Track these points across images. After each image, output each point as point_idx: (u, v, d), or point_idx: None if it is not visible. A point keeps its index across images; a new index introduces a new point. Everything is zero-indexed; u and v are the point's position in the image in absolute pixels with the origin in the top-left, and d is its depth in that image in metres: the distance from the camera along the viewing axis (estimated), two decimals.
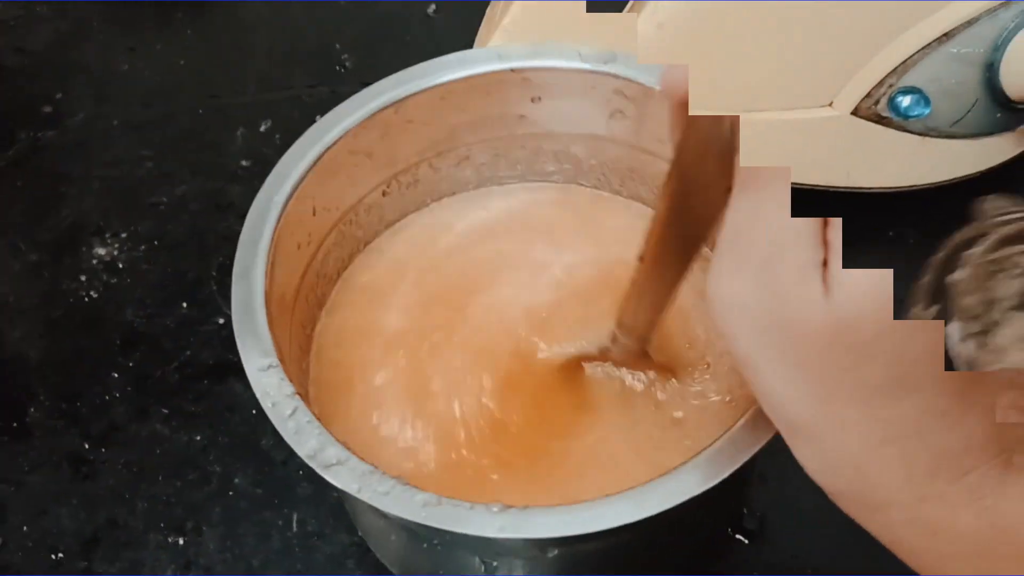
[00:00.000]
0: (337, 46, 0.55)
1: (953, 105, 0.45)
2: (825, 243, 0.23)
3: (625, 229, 0.37)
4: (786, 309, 0.22)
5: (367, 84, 0.36)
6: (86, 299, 0.47)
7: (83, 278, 0.47)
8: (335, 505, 0.40)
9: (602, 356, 0.33)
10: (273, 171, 0.32)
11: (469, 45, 0.53)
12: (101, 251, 0.48)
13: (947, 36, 0.43)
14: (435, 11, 0.57)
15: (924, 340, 0.22)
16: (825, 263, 0.22)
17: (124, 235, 0.49)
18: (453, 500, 0.25)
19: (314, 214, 0.33)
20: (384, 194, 0.36)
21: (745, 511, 0.39)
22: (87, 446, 0.42)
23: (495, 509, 0.25)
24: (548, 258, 0.37)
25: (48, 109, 0.54)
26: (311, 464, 0.26)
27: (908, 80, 0.44)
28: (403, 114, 0.34)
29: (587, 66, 0.35)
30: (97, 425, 0.43)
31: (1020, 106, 0.45)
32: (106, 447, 0.42)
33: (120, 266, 0.48)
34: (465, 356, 0.34)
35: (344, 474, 0.26)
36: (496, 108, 0.36)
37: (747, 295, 0.23)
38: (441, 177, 0.38)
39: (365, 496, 0.25)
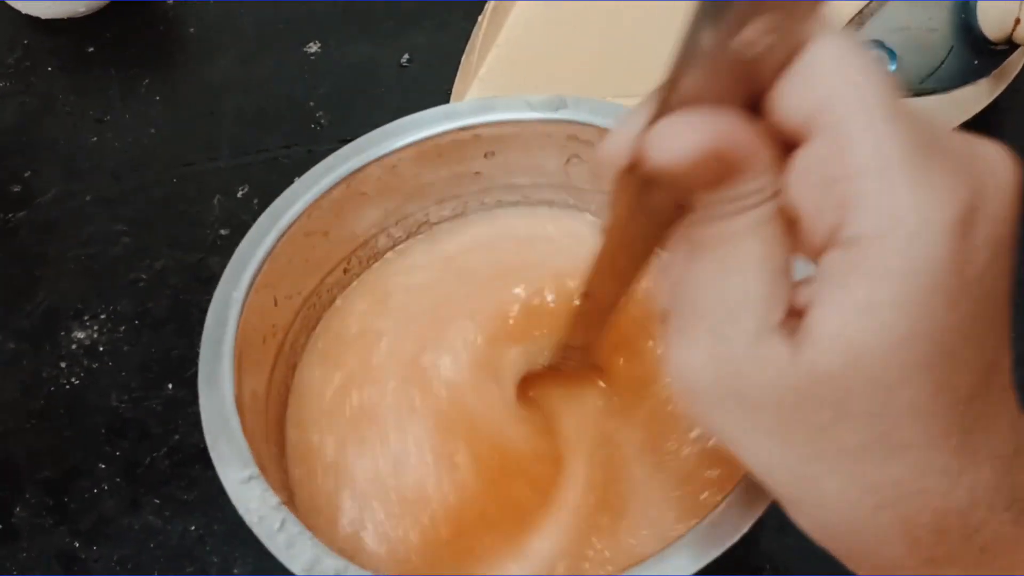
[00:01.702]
0: (311, 104, 0.54)
1: (923, 57, 0.40)
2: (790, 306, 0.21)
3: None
4: (746, 375, 0.21)
5: (345, 141, 0.35)
6: (67, 386, 0.45)
7: (63, 364, 0.46)
8: None
9: (552, 370, 0.32)
10: (228, 266, 0.31)
11: (445, 94, 0.52)
12: (80, 335, 0.46)
13: None
14: (408, 61, 0.56)
15: (910, 393, 0.20)
16: (792, 317, 0.21)
17: (103, 316, 0.47)
18: None
19: (276, 304, 0.31)
20: (345, 272, 0.35)
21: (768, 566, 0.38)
22: (77, 544, 0.41)
23: None
24: (508, 302, 0.35)
25: (17, 189, 0.52)
26: None
27: (868, 33, 0.39)
28: (355, 188, 0.33)
29: (537, 115, 0.34)
30: (86, 520, 0.41)
31: (1000, 47, 0.41)
32: (97, 543, 0.41)
33: (101, 349, 0.46)
34: (432, 427, 0.32)
35: None
36: (450, 168, 0.35)
37: (704, 366, 0.21)
38: (399, 245, 0.37)
39: None
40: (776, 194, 0.20)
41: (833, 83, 0.19)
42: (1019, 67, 0.47)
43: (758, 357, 0.20)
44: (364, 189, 0.33)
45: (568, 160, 0.35)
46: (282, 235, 0.32)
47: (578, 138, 0.34)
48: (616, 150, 0.21)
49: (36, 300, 0.48)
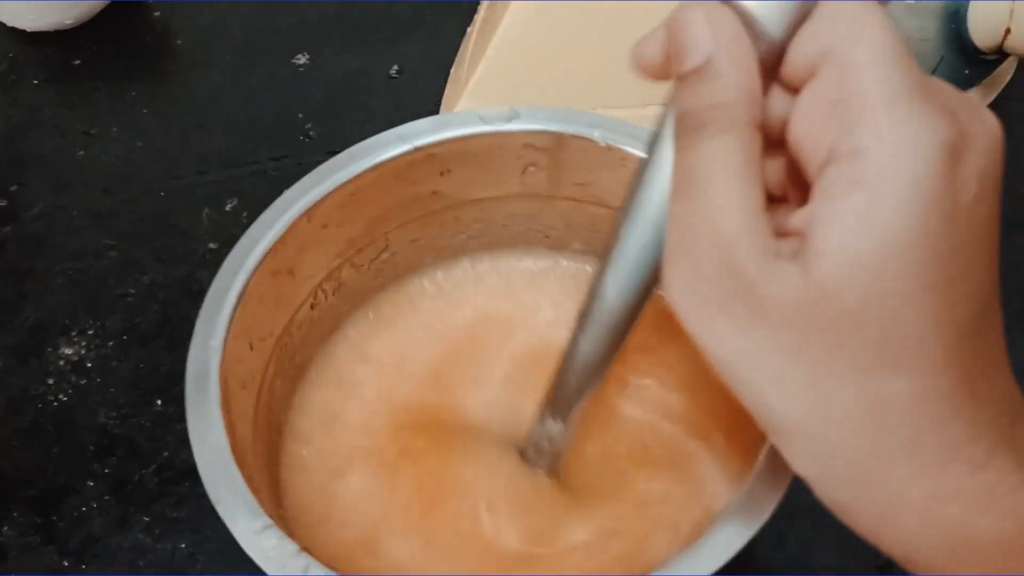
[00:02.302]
0: (300, 115, 0.54)
1: None
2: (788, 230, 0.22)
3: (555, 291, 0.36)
4: (758, 292, 0.21)
5: (333, 152, 0.34)
6: (55, 403, 0.44)
7: (51, 381, 0.45)
8: None
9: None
10: (201, 313, 0.31)
11: (435, 105, 0.52)
12: (68, 351, 0.46)
13: None
14: (398, 72, 0.55)
15: (913, 312, 0.20)
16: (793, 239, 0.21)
17: (91, 332, 0.47)
18: None
19: (251, 349, 0.31)
20: (312, 307, 0.35)
21: None
22: (66, 563, 0.40)
23: None
24: (495, 343, 0.35)
25: (3, 203, 0.52)
26: None
27: None
28: (316, 220, 0.33)
29: (490, 128, 0.34)
30: (75, 539, 0.41)
31: (990, 57, 0.41)
32: (87, 563, 0.40)
33: (89, 365, 0.45)
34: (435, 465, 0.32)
35: None
36: (407, 190, 0.35)
37: (712, 291, 0.22)
38: (364, 275, 0.36)
39: None
40: (757, 126, 0.22)
41: (845, 28, 0.21)
42: (1009, 76, 0.47)
43: (771, 272, 0.21)
44: (325, 221, 0.33)
45: (525, 170, 0.35)
46: (250, 277, 0.31)
47: (534, 146, 0.34)
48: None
49: (23, 315, 0.47)
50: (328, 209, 0.32)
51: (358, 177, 0.33)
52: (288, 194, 0.32)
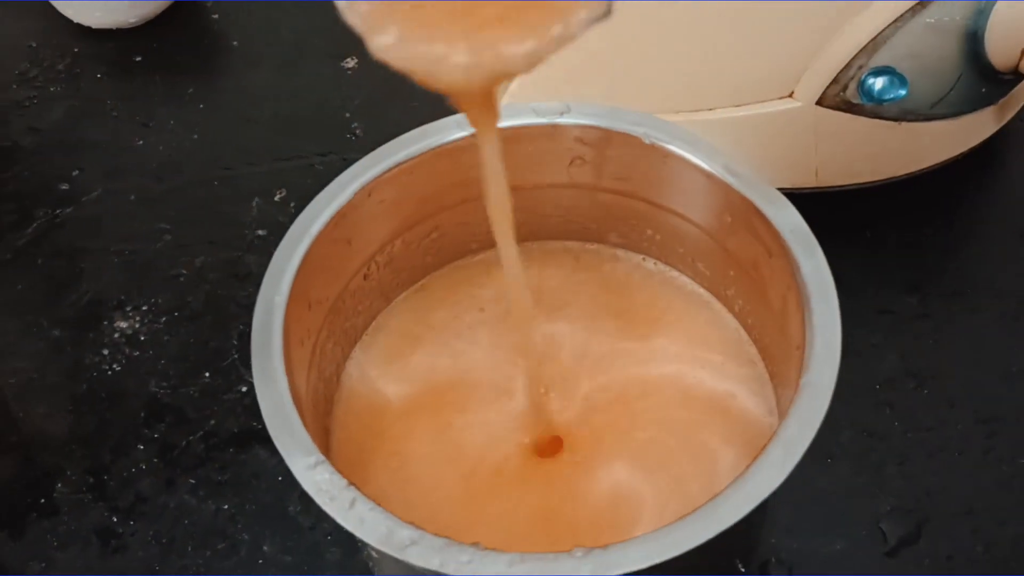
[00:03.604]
0: (346, 114, 0.57)
1: (934, 83, 0.41)
2: None
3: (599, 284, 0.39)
4: None
5: None
6: (109, 372, 0.47)
7: (105, 352, 0.48)
8: (364, 571, 0.40)
9: None
10: (268, 272, 0.33)
11: None
12: (123, 324, 0.49)
13: (921, 5, 0.39)
14: None
15: None
16: None
17: (144, 308, 0.49)
18: (536, 554, 0.26)
19: (309, 309, 0.33)
20: (365, 277, 0.37)
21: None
22: (115, 519, 0.43)
23: (579, 554, 0.25)
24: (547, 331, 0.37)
25: (64, 187, 0.55)
26: (386, 550, 0.26)
27: (880, 59, 0.40)
28: (375, 196, 0.35)
29: (543, 120, 0.36)
30: (125, 498, 0.43)
31: (1007, 76, 0.42)
32: (134, 520, 0.43)
33: (142, 338, 0.48)
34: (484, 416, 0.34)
35: (423, 553, 0.26)
36: (460, 174, 0.37)
37: None
38: (413, 252, 0.38)
39: (450, 569, 0.26)
40: None
41: None
42: None
43: None
44: (383, 196, 0.36)
45: (571, 162, 0.37)
46: (313, 242, 0.34)
47: (582, 140, 0.36)
48: None
49: (80, 291, 0.50)
50: (385, 185, 0.35)
51: (415, 158, 0.35)
52: (352, 169, 0.35)
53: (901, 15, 0.39)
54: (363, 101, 0.57)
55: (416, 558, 0.26)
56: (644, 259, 0.39)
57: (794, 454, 0.27)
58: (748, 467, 0.27)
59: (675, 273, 0.38)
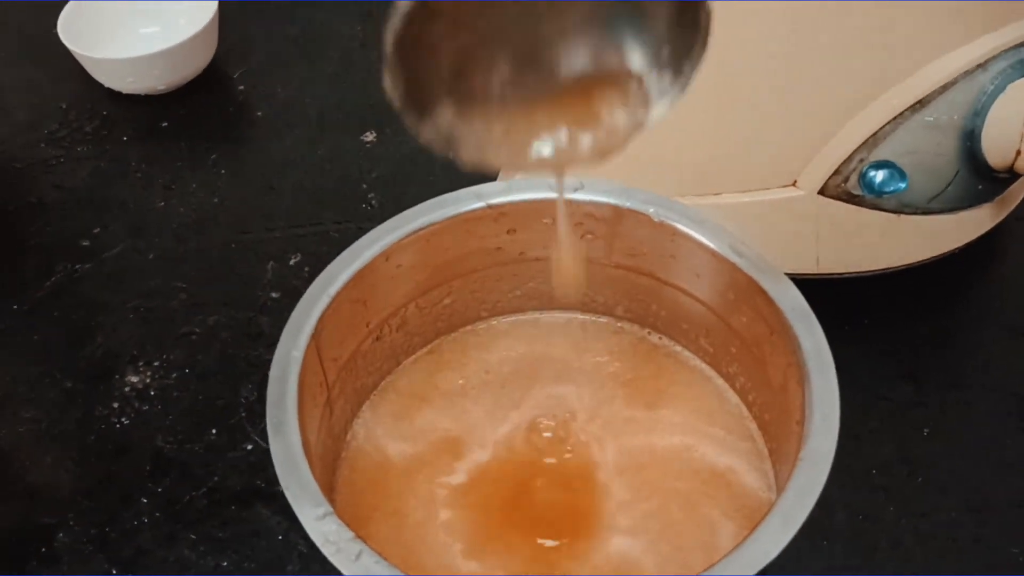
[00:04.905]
0: (364, 186, 0.58)
1: (932, 179, 0.42)
2: None
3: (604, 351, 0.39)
4: None
5: None
6: (118, 425, 0.48)
7: (116, 405, 0.49)
8: None
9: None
10: (286, 327, 0.34)
11: None
12: (134, 379, 0.50)
13: (921, 104, 0.40)
14: None
15: None
16: None
17: (156, 363, 0.50)
18: None
19: (322, 365, 0.35)
20: (377, 339, 0.38)
21: None
22: (115, 572, 0.43)
23: None
24: (554, 393, 0.39)
25: (86, 243, 0.56)
26: None
27: (880, 153, 0.41)
28: (393, 260, 0.37)
29: (557, 195, 0.37)
30: (126, 550, 0.43)
31: (1003, 175, 0.43)
32: (134, 573, 0.43)
33: (152, 393, 0.49)
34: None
35: None
36: (475, 243, 0.38)
37: None
38: (425, 317, 0.40)
39: None
40: None
41: None
42: (1022, 195, 0.50)
43: None
44: (400, 261, 0.37)
45: (583, 236, 0.39)
46: (331, 302, 0.35)
47: (593, 215, 0.37)
48: None
49: (95, 344, 0.51)
50: (403, 251, 0.36)
51: (433, 225, 0.36)
52: (372, 233, 0.36)
53: (901, 112, 0.41)
54: (381, 173, 0.59)
55: None
56: (649, 332, 0.40)
57: (792, 525, 0.28)
58: (747, 536, 0.28)
59: (679, 348, 0.39)
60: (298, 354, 0.33)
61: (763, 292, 0.34)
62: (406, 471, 0.36)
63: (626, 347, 0.40)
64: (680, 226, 0.36)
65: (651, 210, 0.36)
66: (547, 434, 0.37)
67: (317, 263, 0.54)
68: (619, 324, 0.40)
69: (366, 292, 0.36)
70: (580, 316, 0.41)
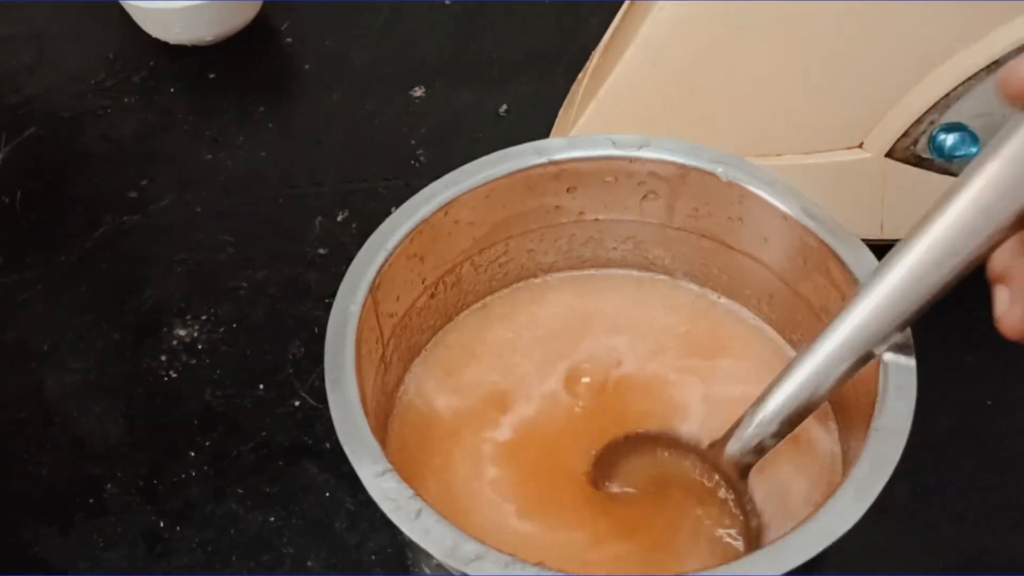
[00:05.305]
0: (412, 142, 0.57)
1: None
2: None
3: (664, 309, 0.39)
4: None
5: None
6: (166, 379, 0.48)
7: (163, 358, 0.48)
8: None
9: (695, 452, 0.33)
10: (343, 282, 0.33)
11: None
12: (182, 332, 0.49)
13: (995, 65, 0.39)
14: (506, 111, 0.59)
15: None
16: None
17: (204, 317, 0.50)
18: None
19: (378, 321, 0.34)
20: (432, 296, 0.37)
21: None
22: (163, 524, 0.43)
23: None
24: (604, 344, 0.38)
25: (134, 195, 0.56)
26: (449, 563, 0.26)
27: (952, 116, 0.40)
28: (452, 215, 0.36)
29: (620, 152, 0.36)
30: (173, 503, 0.43)
31: None
32: (181, 525, 0.43)
33: (200, 347, 0.49)
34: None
35: (486, 568, 0.26)
36: (533, 201, 0.37)
37: None
38: (480, 274, 0.39)
39: None
40: None
41: None
42: None
43: None
44: (458, 216, 0.36)
45: (645, 196, 0.37)
46: (389, 256, 0.34)
47: (657, 174, 0.36)
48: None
49: (143, 296, 0.51)
50: (462, 207, 0.35)
51: (493, 181, 0.35)
52: (430, 188, 0.35)
53: (975, 73, 0.40)
54: (429, 130, 0.58)
55: (479, 573, 0.26)
56: (708, 291, 0.39)
57: (866, 498, 0.27)
58: (819, 507, 0.27)
59: (738, 306, 0.38)
60: (356, 309, 0.32)
61: (837, 258, 0.32)
62: (454, 427, 0.35)
63: (684, 303, 0.38)
64: (750, 186, 0.34)
65: (719, 169, 0.35)
66: (586, 379, 0.36)
67: (365, 220, 0.54)
68: (676, 281, 0.39)
69: (424, 247, 0.35)
70: (636, 272, 0.40)
